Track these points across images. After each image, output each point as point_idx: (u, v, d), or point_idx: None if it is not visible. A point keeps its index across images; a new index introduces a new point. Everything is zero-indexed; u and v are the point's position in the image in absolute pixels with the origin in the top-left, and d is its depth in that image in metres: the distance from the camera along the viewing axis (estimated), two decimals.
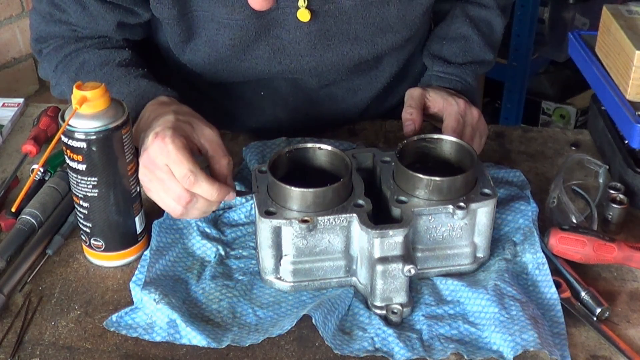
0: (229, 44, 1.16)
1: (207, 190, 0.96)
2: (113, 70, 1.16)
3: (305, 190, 0.94)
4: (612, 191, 1.11)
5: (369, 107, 1.37)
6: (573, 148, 1.29)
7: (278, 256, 0.97)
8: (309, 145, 1.03)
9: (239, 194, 1.02)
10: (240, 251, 1.05)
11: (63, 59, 1.21)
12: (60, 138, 0.95)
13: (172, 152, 0.95)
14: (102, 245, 1.02)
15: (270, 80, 1.28)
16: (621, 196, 1.09)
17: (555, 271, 1.01)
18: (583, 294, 0.98)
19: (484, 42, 1.31)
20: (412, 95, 1.18)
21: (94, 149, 0.94)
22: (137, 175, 1.01)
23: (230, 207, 1.11)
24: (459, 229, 0.99)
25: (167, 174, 0.96)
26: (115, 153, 0.96)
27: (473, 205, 0.97)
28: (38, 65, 1.29)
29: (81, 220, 1.01)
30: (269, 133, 1.24)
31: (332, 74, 1.27)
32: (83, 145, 0.94)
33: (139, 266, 1.01)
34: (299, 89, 1.29)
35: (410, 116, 1.14)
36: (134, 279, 0.99)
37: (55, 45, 1.22)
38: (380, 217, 0.96)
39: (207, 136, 1.01)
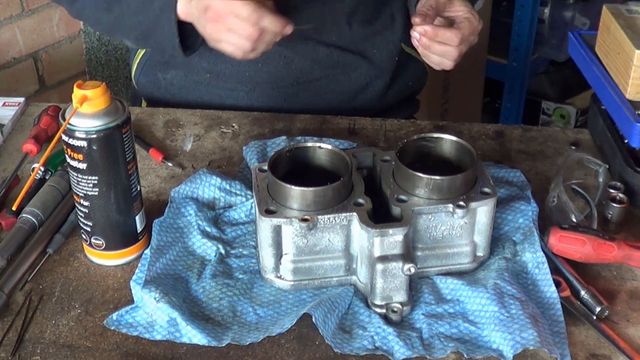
0: None
1: (271, 22, 1.08)
2: None
3: (305, 189, 0.94)
4: (611, 190, 1.11)
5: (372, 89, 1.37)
6: (573, 147, 1.29)
7: (278, 255, 0.97)
8: (309, 144, 1.03)
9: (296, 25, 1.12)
10: (240, 250, 1.05)
11: None
12: (60, 137, 0.95)
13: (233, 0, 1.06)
14: (102, 244, 1.02)
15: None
16: (621, 195, 1.10)
17: (555, 270, 1.01)
18: (583, 292, 0.98)
19: None
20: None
21: (94, 147, 0.94)
22: (137, 174, 1.01)
23: (230, 206, 1.11)
24: (459, 227, 0.99)
25: (235, 19, 1.08)
26: (116, 152, 0.96)
27: (473, 204, 0.97)
28: None
29: (82, 219, 1.01)
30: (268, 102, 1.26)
31: (333, 28, 1.26)
32: (84, 144, 0.94)
33: (139, 265, 1.01)
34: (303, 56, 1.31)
35: (415, 22, 1.15)
36: (134, 277, 0.99)
37: None
38: (380, 216, 0.96)
39: None
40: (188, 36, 1.19)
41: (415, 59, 1.40)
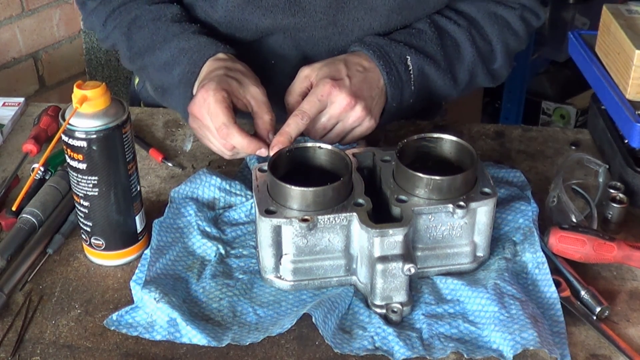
0: None
1: (239, 143, 1.05)
2: (168, 25, 1.21)
3: (305, 189, 0.94)
4: (612, 190, 1.11)
5: None
6: (573, 147, 1.29)
7: (278, 255, 0.97)
8: (309, 144, 1.03)
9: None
10: (240, 250, 1.05)
11: (111, 13, 1.25)
12: (60, 137, 0.95)
13: (211, 104, 1.05)
14: (102, 244, 1.02)
15: (281, 48, 1.26)
16: (621, 195, 1.10)
17: (555, 270, 1.01)
18: (583, 293, 0.98)
19: (438, 41, 1.20)
20: (299, 75, 1.13)
21: (94, 148, 0.94)
22: (137, 174, 1.01)
23: (230, 206, 1.11)
24: (459, 228, 0.99)
25: (210, 123, 1.06)
26: (116, 152, 0.96)
27: (473, 205, 0.97)
28: (82, 16, 1.36)
29: (81, 219, 1.01)
30: (275, 105, 1.25)
31: (342, 40, 1.24)
32: (83, 144, 0.94)
33: (139, 265, 1.01)
34: (309, 60, 1.27)
35: (287, 106, 1.11)
36: (134, 277, 0.99)
37: None
38: (380, 216, 0.96)
39: (253, 93, 1.09)
40: None
41: None
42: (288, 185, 0.95)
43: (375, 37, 1.20)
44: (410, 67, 1.17)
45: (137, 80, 1.51)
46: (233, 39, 1.25)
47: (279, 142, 1.04)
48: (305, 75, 1.13)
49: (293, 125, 1.06)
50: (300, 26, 1.22)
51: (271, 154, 1.03)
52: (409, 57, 1.17)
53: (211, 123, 1.06)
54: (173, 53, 1.19)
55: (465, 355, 0.90)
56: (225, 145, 1.07)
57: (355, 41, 1.21)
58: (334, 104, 1.08)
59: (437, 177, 0.96)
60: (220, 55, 1.16)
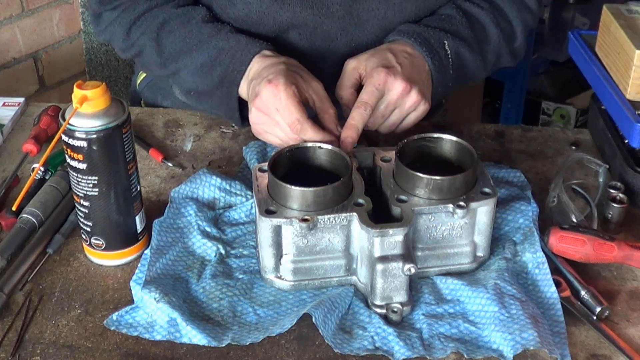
0: None
1: (312, 138, 1.04)
2: (200, 27, 1.20)
3: (305, 189, 0.94)
4: (612, 190, 1.11)
5: None
6: (573, 147, 1.29)
7: (278, 255, 0.97)
8: (309, 144, 1.03)
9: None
10: (240, 250, 1.05)
11: (136, 20, 1.24)
12: (60, 137, 0.95)
13: (283, 99, 1.04)
14: (102, 244, 1.02)
15: (298, 44, 1.26)
16: (621, 195, 1.10)
17: (555, 270, 1.01)
18: (583, 293, 0.98)
19: (467, 24, 1.23)
20: (346, 69, 1.14)
21: (94, 148, 0.94)
22: (137, 174, 1.01)
23: (230, 206, 1.11)
24: (459, 228, 0.99)
25: (280, 117, 1.05)
26: (116, 152, 0.96)
27: (473, 205, 0.97)
28: (97, 29, 1.31)
29: (82, 219, 1.01)
30: None
31: (358, 31, 1.24)
32: (83, 144, 0.94)
33: (139, 265, 1.01)
34: (325, 57, 1.28)
35: (342, 100, 1.11)
36: (134, 277, 0.99)
37: (124, 7, 1.24)
38: (380, 216, 0.96)
39: (315, 88, 1.10)
40: (244, 109, 1.18)
41: None
42: (288, 185, 0.95)
43: (410, 25, 1.21)
44: (449, 52, 1.19)
45: (139, 80, 1.50)
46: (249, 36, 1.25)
47: (348, 136, 1.05)
48: (353, 67, 1.13)
49: (358, 117, 1.06)
50: (317, 19, 1.22)
51: (345, 148, 1.03)
52: (446, 42, 1.19)
53: (281, 119, 1.05)
54: (211, 54, 1.18)
55: (465, 355, 0.90)
56: (295, 140, 1.06)
57: (376, 33, 1.22)
58: (391, 91, 1.09)
59: (437, 177, 0.96)
60: (266, 51, 1.16)
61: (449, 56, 1.20)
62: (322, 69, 1.23)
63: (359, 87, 1.12)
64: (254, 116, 1.09)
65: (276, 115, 1.06)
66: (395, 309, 0.95)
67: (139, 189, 1.03)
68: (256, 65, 1.14)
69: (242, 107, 1.19)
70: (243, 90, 1.15)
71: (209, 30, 1.20)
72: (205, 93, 1.21)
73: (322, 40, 1.25)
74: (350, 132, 1.05)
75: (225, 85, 1.17)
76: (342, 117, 1.10)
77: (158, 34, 1.22)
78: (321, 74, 1.17)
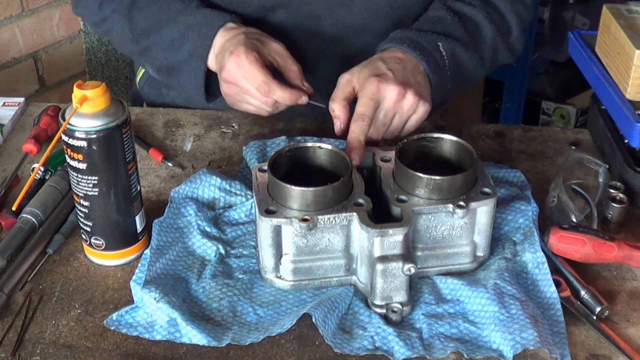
0: None
1: (281, 96, 1.10)
2: (170, 3, 1.23)
3: (305, 189, 0.94)
4: (612, 190, 1.11)
5: None
6: (573, 147, 1.29)
7: (278, 255, 0.97)
8: (309, 144, 1.04)
9: (310, 98, 1.13)
10: (240, 250, 1.05)
11: None
12: (60, 137, 0.95)
13: (246, 66, 1.09)
14: (102, 244, 1.02)
15: (284, 25, 1.27)
16: (621, 195, 1.10)
17: (555, 270, 1.01)
18: (583, 292, 0.98)
19: (460, 25, 1.23)
20: (339, 82, 1.14)
21: (94, 148, 0.94)
22: (137, 174, 1.01)
23: (230, 206, 1.11)
24: (459, 228, 0.99)
25: (248, 85, 1.10)
26: (116, 152, 0.96)
27: (473, 204, 0.97)
28: (73, 3, 1.35)
29: (81, 219, 1.01)
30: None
31: (344, 12, 1.25)
32: (83, 144, 0.94)
33: (139, 265, 1.01)
34: (312, 38, 1.28)
35: (333, 112, 1.11)
36: (134, 277, 0.99)
37: None
38: (380, 216, 0.96)
39: (276, 49, 1.15)
40: (212, 84, 1.21)
41: None
42: (288, 185, 0.95)
43: (402, 31, 1.21)
44: (444, 53, 1.19)
45: (138, 77, 1.50)
46: (215, 10, 1.26)
47: (354, 149, 1.04)
48: (346, 80, 1.13)
49: (357, 130, 1.06)
50: None
51: (354, 163, 1.01)
52: (440, 44, 1.19)
53: (249, 85, 1.10)
54: (180, 30, 1.20)
55: (465, 355, 0.90)
56: (267, 102, 1.11)
57: (366, 38, 1.24)
58: (386, 98, 1.09)
59: (437, 177, 0.96)
60: (230, 24, 1.19)
61: (445, 58, 1.19)
62: (308, 49, 1.25)
63: (353, 101, 1.11)
64: (224, 88, 1.15)
65: (244, 83, 1.10)
66: (395, 309, 0.95)
67: (139, 189, 1.03)
68: (220, 39, 1.17)
69: (210, 83, 1.21)
70: (213, 65, 1.18)
71: (177, 6, 1.22)
72: (176, 69, 1.23)
73: (309, 20, 1.26)
74: (351, 145, 1.05)
75: (194, 60, 1.19)
76: (331, 126, 1.11)
77: (129, 10, 1.24)
78: (307, 54, 1.18)
